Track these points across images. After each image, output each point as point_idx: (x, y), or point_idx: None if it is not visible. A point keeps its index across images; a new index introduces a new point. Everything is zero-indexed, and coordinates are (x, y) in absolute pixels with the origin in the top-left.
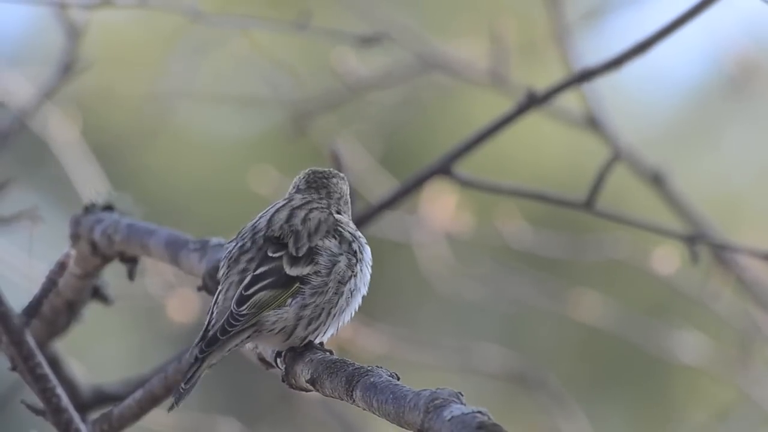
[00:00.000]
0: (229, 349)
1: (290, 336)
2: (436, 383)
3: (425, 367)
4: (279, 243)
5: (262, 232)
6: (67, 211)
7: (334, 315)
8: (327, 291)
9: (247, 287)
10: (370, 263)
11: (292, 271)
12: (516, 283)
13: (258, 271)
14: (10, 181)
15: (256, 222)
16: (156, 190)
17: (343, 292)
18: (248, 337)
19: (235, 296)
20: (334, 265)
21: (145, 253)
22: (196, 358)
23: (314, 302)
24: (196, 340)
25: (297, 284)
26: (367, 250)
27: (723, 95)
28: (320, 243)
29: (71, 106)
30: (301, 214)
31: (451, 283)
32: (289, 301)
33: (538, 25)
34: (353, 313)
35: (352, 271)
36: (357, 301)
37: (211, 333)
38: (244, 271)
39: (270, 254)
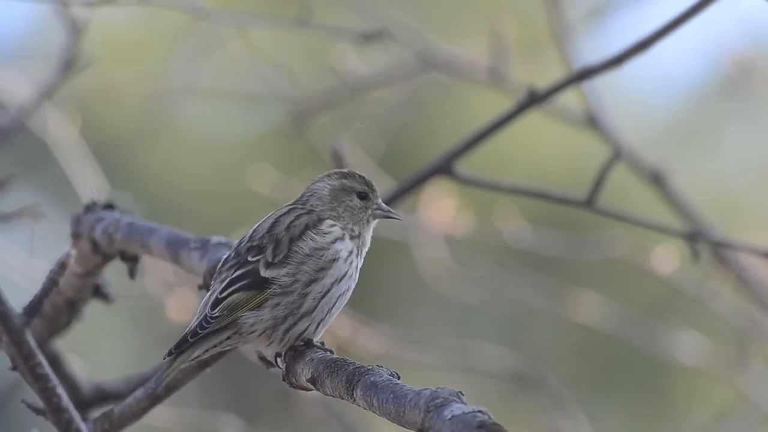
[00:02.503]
0: (207, 350)
1: (271, 337)
2: (436, 383)
3: (425, 366)
4: (259, 248)
5: (246, 243)
6: (68, 211)
7: (302, 315)
8: (293, 292)
9: (223, 290)
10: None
11: (266, 273)
12: (515, 283)
13: (235, 274)
14: (11, 179)
15: (246, 233)
16: (156, 190)
17: (308, 293)
18: (228, 338)
19: (211, 300)
20: (300, 266)
21: (146, 251)
22: (167, 359)
23: (284, 302)
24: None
25: (272, 286)
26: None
27: (723, 95)
28: (298, 246)
29: (71, 105)
30: (287, 220)
31: (450, 283)
32: (267, 302)
33: (539, 24)
34: (332, 312)
35: (319, 275)
36: (333, 301)
37: (182, 336)
38: (225, 279)
39: (249, 259)
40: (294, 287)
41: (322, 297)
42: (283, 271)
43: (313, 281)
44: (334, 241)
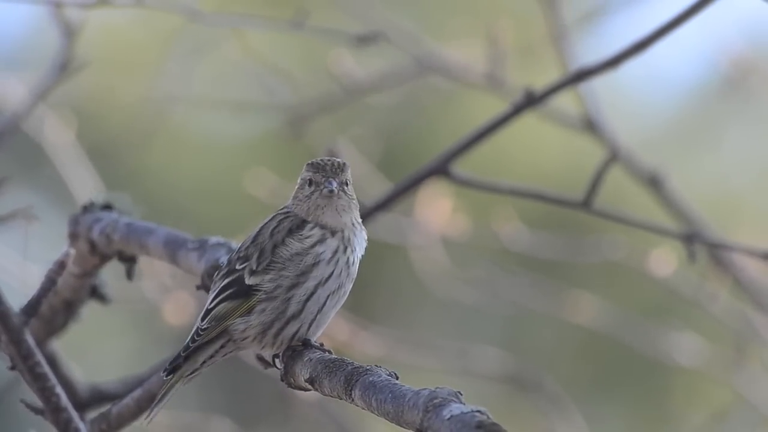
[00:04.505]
0: (205, 362)
1: (262, 342)
2: (434, 385)
3: (423, 369)
4: (246, 258)
5: (236, 253)
6: (65, 212)
7: (289, 319)
8: (277, 297)
9: (212, 301)
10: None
11: (250, 281)
12: (513, 285)
13: (223, 284)
14: (6, 181)
15: (240, 243)
16: (155, 190)
17: (290, 297)
18: (222, 347)
19: (202, 312)
20: (281, 271)
21: (144, 252)
22: (166, 374)
23: (270, 307)
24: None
25: (258, 293)
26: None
27: (722, 95)
28: (280, 252)
29: (67, 107)
30: (271, 227)
31: (448, 285)
32: (255, 308)
33: (536, 27)
34: (324, 311)
35: (300, 279)
36: (322, 302)
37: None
38: (216, 289)
39: (236, 267)
40: (277, 292)
41: (307, 299)
42: (267, 277)
43: (294, 285)
44: (314, 245)
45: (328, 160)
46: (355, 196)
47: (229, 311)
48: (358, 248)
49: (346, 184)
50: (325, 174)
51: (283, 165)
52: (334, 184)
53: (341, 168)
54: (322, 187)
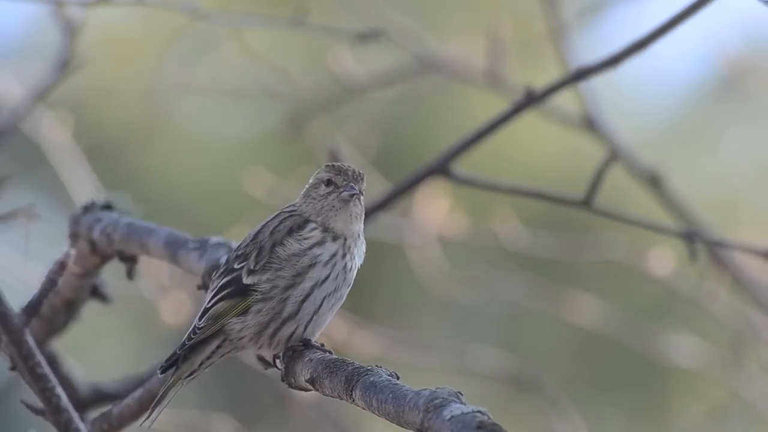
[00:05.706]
0: (203, 362)
1: (258, 342)
2: (433, 385)
3: (422, 369)
4: (245, 256)
5: (235, 251)
6: (65, 211)
7: (285, 319)
8: (273, 297)
9: (210, 300)
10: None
11: (248, 280)
12: (512, 284)
13: (221, 283)
14: (7, 180)
15: (240, 241)
16: (155, 190)
17: (287, 297)
18: (219, 347)
19: (200, 311)
20: (278, 271)
21: (145, 252)
22: (161, 372)
23: (266, 307)
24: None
25: (254, 293)
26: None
27: (721, 95)
28: (278, 252)
29: (67, 106)
30: (272, 226)
31: (447, 285)
32: (251, 308)
33: (535, 24)
34: (320, 313)
35: (296, 280)
36: (318, 303)
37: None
38: (214, 288)
39: (235, 267)
40: (273, 293)
41: (303, 300)
42: (264, 277)
43: (290, 286)
44: (311, 247)
45: (350, 166)
46: (364, 208)
47: (226, 310)
48: (357, 258)
49: (362, 194)
50: (346, 178)
51: (283, 165)
52: (356, 189)
53: (361, 177)
54: (341, 189)
